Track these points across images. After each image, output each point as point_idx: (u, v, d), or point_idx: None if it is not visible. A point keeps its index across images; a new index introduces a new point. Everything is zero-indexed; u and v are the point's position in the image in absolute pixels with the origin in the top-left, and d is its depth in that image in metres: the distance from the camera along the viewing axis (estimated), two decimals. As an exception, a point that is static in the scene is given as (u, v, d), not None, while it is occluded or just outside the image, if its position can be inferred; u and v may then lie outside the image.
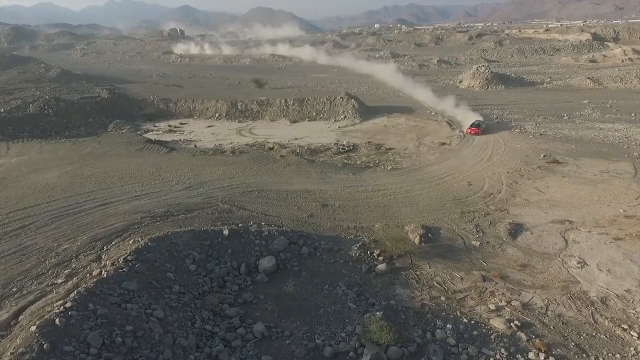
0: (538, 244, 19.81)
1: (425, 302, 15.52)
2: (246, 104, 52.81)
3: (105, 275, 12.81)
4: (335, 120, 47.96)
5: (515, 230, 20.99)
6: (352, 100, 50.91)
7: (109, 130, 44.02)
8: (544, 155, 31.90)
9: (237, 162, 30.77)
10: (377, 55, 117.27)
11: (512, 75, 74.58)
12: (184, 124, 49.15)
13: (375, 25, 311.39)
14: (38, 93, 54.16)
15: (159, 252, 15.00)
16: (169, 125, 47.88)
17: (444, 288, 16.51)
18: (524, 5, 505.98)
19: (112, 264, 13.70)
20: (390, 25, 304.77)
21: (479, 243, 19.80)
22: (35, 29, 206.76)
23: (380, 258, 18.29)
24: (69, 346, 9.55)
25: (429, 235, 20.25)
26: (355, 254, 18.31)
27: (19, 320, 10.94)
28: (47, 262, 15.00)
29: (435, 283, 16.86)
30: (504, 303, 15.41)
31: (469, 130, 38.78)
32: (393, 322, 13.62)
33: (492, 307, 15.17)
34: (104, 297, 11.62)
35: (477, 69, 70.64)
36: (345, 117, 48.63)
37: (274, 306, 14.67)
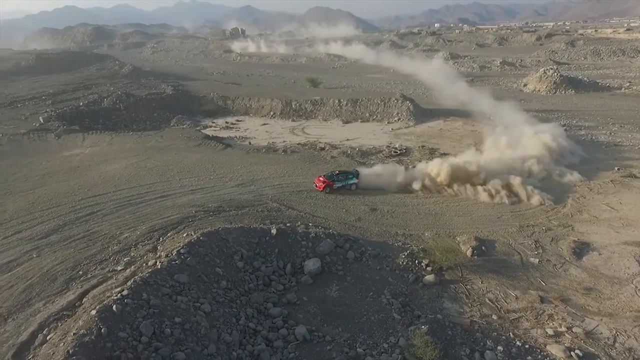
0: (607, 266, 18.07)
1: (475, 319, 14.73)
2: (300, 103, 53.48)
3: (159, 267, 13.51)
4: (388, 122, 47.13)
5: (581, 249, 19.30)
6: (407, 102, 49.73)
7: (171, 125, 46.62)
8: (618, 169, 29.11)
9: (289, 161, 31.20)
10: (436, 56, 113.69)
11: (585, 79, 68.90)
12: (240, 121, 50.78)
13: (435, 25, 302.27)
14: (112, 88, 58.58)
15: (210, 246, 15.55)
16: (226, 122, 49.72)
17: (497, 306, 15.58)
18: (602, 3, 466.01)
19: (166, 256, 14.40)
20: (452, 25, 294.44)
21: (537, 260, 18.46)
22: (113, 29, 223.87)
23: (429, 268, 17.64)
24: (124, 332, 10.17)
25: (483, 248, 19.22)
26: (402, 262, 17.81)
27: (82, 302, 11.83)
28: (110, 249, 16.09)
29: (487, 300, 15.96)
30: (563, 329, 14.22)
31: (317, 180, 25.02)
32: (439, 338, 13.07)
33: (549, 331, 14.06)
34: (157, 287, 12.25)
35: (545, 72, 66.04)
36: (399, 120, 47.63)
37: (317, 309, 14.64)
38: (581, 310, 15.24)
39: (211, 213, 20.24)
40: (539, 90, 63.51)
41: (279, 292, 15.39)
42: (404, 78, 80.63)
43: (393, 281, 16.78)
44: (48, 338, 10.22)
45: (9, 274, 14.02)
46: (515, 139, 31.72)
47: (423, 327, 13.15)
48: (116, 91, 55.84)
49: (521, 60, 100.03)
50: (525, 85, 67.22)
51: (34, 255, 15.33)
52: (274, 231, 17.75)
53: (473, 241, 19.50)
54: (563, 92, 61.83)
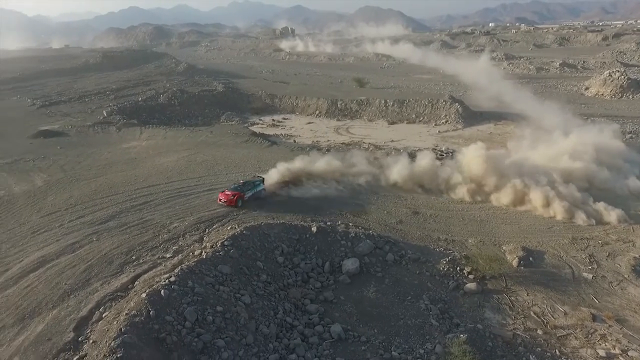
0: (672, 288, 16.63)
1: (518, 332, 14.14)
2: (346, 102, 53.54)
3: (204, 257, 14.20)
4: (435, 124, 46.05)
5: (642, 267, 17.91)
6: (456, 104, 48.29)
7: (220, 121, 48.41)
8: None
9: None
10: (481, 56, 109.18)
11: (657, 82, 63.29)
12: (287, 119, 51.73)
13: (490, 24, 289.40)
14: (168, 85, 61.78)
15: (252, 240, 16.08)
16: (273, 120, 50.84)
17: (543, 320, 14.86)
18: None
19: (211, 247, 15.09)
20: (508, 25, 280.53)
21: (591, 276, 17.35)
22: (171, 28, 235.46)
23: (471, 276, 17.13)
24: (170, 316, 10.84)
25: (530, 259, 18.35)
26: (443, 268, 17.43)
27: (134, 285, 12.71)
28: (160, 237, 17.08)
29: (532, 313, 15.26)
30: (617, 351, 13.31)
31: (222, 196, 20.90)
32: (478, 348, 12.70)
33: (601, 352, 13.21)
34: (202, 276, 12.90)
35: (610, 74, 61.30)
36: (447, 122, 46.39)
37: (354, 309, 14.71)
38: (639, 332, 14.17)
39: (255, 208, 20.87)
40: (602, 94, 59.18)
41: (317, 290, 15.63)
42: (455, 79, 78.19)
43: (432, 287, 16.49)
44: (103, 315, 11.11)
45: (73, 254, 15.33)
46: (571, 145, 29.74)
47: (462, 335, 12.84)
48: (172, 88, 58.87)
49: (583, 62, 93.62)
50: (587, 88, 62.89)
51: (94, 239, 16.62)
52: (314, 229, 18.01)
53: (520, 251, 18.69)
54: (630, 96, 57.19)
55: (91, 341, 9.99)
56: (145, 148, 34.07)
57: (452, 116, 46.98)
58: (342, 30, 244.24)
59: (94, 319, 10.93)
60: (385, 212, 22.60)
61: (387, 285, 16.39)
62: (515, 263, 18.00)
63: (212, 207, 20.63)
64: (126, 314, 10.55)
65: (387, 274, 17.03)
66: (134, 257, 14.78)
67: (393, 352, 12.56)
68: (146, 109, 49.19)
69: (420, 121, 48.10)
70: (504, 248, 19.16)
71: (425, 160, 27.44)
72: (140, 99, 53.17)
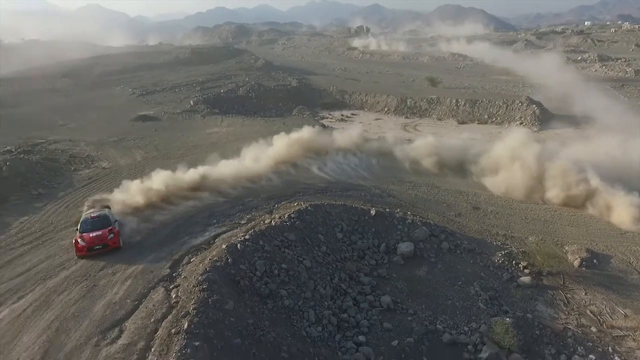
0: None
1: (569, 327, 14.19)
2: (415, 100, 53.53)
3: (273, 224, 16.15)
4: (508, 126, 44.42)
5: None
6: (533, 105, 46.09)
7: (293, 113, 51.19)
8: None
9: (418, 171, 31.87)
10: (579, 58, 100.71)
11: None
12: (355, 114, 53.11)
13: (585, 23, 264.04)
14: (247, 79, 66.32)
15: (315, 216, 17.76)
16: (342, 115, 52.53)
17: (599, 319, 14.67)
18: None
19: (279, 218, 17.01)
20: (608, 23, 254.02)
21: (662, 285, 16.51)
22: (252, 27, 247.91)
23: (526, 271, 17.19)
24: (243, 265, 12.85)
25: (594, 261, 17.86)
26: (498, 260, 17.70)
27: (215, 241, 15.00)
28: (236, 208, 19.38)
29: (588, 311, 15.10)
30: (678, 357, 12.87)
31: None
32: (524, 334, 13.10)
33: (660, 356, 12.88)
34: (270, 239, 14.82)
35: None
36: (521, 124, 44.53)
37: (404, 286, 15.75)
38: None
39: (319, 191, 22.55)
40: None
41: (371, 266, 16.86)
42: (533, 80, 73.84)
43: (485, 276, 16.90)
44: (191, 260, 13.43)
45: (163, 219, 18.22)
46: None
47: (508, 319, 13.32)
48: (250, 82, 63.19)
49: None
50: (694, 94, 56.08)
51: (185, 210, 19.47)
52: (373, 212, 19.23)
53: (584, 252, 18.24)
54: None
55: (183, 276, 12.29)
56: (225, 134, 37.56)
57: (528, 118, 45.00)
58: (417, 29, 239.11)
59: (184, 262, 13.28)
60: (444, 205, 23.08)
61: (439, 270, 17.14)
62: (576, 263, 17.66)
63: (281, 187, 22.68)
64: (210, 259, 12.75)
65: (440, 260, 17.74)
66: (214, 221, 17.19)
67: (438, 326, 13.43)
68: (227, 100, 53.55)
69: (492, 122, 46.73)
70: (566, 248, 18.81)
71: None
72: (222, 91, 57.92)
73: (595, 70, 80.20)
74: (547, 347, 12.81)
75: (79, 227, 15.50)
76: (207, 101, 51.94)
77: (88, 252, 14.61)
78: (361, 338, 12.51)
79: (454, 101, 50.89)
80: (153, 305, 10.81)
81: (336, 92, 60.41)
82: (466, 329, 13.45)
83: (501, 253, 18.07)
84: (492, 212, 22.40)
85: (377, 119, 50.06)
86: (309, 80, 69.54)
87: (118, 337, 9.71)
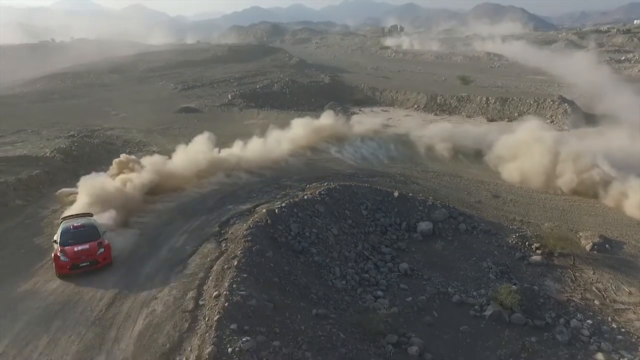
0: None
1: (573, 299, 15.44)
2: (445, 98, 54.35)
3: (305, 198, 18.25)
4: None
5: None
6: (565, 104, 45.99)
7: (324, 109, 53.18)
8: None
9: (435, 157, 33.36)
10: (623, 58, 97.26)
11: None
12: (385, 111, 54.55)
13: (635, 22, 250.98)
14: (281, 76, 69.03)
15: (343, 194, 19.70)
16: (372, 111, 54.13)
17: (603, 294, 15.81)
18: None
19: (311, 194, 19.08)
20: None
21: (672, 269, 17.34)
22: (286, 26, 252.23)
23: (538, 251, 18.42)
24: (280, 226, 15.02)
25: (607, 246, 18.82)
26: (512, 241, 19.00)
27: (255, 209, 17.25)
28: (272, 186, 21.52)
29: (594, 288, 16.24)
30: (676, 329, 13.89)
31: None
32: (528, 300, 14.50)
33: (657, 327, 13.95)
34: (303, 209, 16.93)
35: None
36: (552, 122, 44.55)
37: (421, 257, 17.44)
38: None
39: (348, 176, 24.47)
40: None
41: (392, 240, 18.63)
42: (572, 80, 72.48)
43: (498, 254, 18.28)
44: (236, 222, 15.69)
45: (214, 189, 20.69)
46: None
47: (514, 286, 14.78)
48: (284, 78, 65.85)
49: None
50: None
51: (227, 182, 21.89)
52: (396, 194, 20.96)
53: (597, 238, 19.21)
54: None
55: (230, 232, 14.54)
56: (261, 125, 40.06)
57: (559, 117, 45.00)
58: (452, 28, 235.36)
59: (230, 223, 15.56)
60: (466, 192, 24.44)
61: (455, 247, 18.68)
62: (588, 247, 18.69)
63: (313, 172, 24.77)
64: (252, 220, 14.99)
65: (457, 239, 19.25)
66: (254, 195, 19.46)
67: (449, 289, 15.07)
68: (262, 95, 56.37)
69: (522, 120, 46.93)
70: (580, 234, 19.80)
71: None
72: (257, 86, 60.84)
73: (639, 71, 77.65)
74: (548, 312, 14.17)
75: (58, 238, 13.24)
76: (243, 96, 54.94)
77: (72, 270, 12.41)
78: (379, 293, 14.38)
79: (484, 99, 51.39)
80: (207, 251, 13.12)
81: (367, 89, 62.02)
82: (475, 293, 15.02)
83: (515, 235, 19.36)
84: (511, 201, 23.58)
85: (407, 115, 51.32)
86: (340, 77, 71.45)
87: (182, 269, 12.09)
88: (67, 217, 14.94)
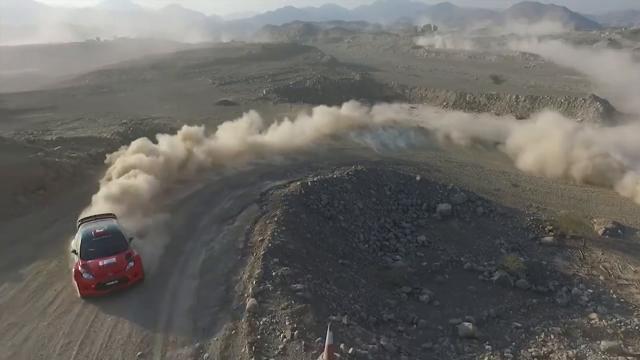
0: None
1: (579, 274, 16.73)
2: (475, 96, 55.01)
3: (334, 177, 20.31)
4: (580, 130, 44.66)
5: None
6: (597, 103, 45.81)
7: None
8: None
9: (453, 146, 34.75)
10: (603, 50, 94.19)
11: None
12: (414, 107, 55.79)
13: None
14: (313, 73, 71.41)
15: (368, 176, 21.62)
16: (401, 107, 55.41)
17: (609, 272, 16.99)
18: None
19: (340, 173, 21.12)
20: None
21: (681, 254, 18.22)
22: (319, 25, 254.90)
23: (551, 233, 19.68)
24: (312, 196, 17.18)
25: (619, 231, 19.86)
26: (526, 224, 20.34)
27: (290, 185, 19.44)
28: (304, 168, 23.65)
29: (601, 266, 17.42)
30: (675, 302, 14.98)
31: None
32: (534, 271, 15.96)
33: (656, 299, 15.07)
34: (332, 184, 19.01)
35: None
36: (582, 121, 44.49)
37: (438, 233, 19.13)
38: None
39: (374, 163, 26.33)
40: None
41: (412, 218, 20.39)
42: (608, 80, 70.95)
43: (512, 234, 19.71)
44: (274, 193, 17.92)
45: (252, 169, 23.07)
46: None
47: (522, 258, 16.27)
48: (316, 75, 68.16)
49: None
50: None
51: (263, 164, 24.28)
52: (418, 178, 22.67)
53: (610, 223, 20.26)
54: None
55: (269, 199, 16.77)
56: (293, 118, 42.47)
57: (590, 115, 44.91)
58: (487, 28, 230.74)
59: (269, 193, 17.79)
60: (486, 182, 25.77)
61: (471, 227, 20.21)
62: (600, 232, 19.80)
63: (342, 159, 26.77)
64: (288, 190, 17.23)
65: (474, 221, 20.76)
66: (288, 174, 21.68)
67: (461, 259, 16.74)
68: (295, 91, 58.87)
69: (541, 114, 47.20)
70: (594, 220, 20.88)
71: None
72: (290, 83, 63.45)
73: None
74: (552, 281, 15.59)
75: (77, 247, 11.39)
76: (277, 91, 57.65)
77: (97, 290, 10.57)
78: (398, 257, 16.23)
79: (514, 97, 51.76)
80: (251, 211, 15.38)
81: (397, 87, 63.41)
82: (485, 263, 16.60)
83: (530, 218, 20.68)
84: (530, 190, 24.75)
85: (435, 112, 52.35)
86: (371, 75, 73.06)
87: (232, 223, 14.43)
88: (85, 219, 12.69)
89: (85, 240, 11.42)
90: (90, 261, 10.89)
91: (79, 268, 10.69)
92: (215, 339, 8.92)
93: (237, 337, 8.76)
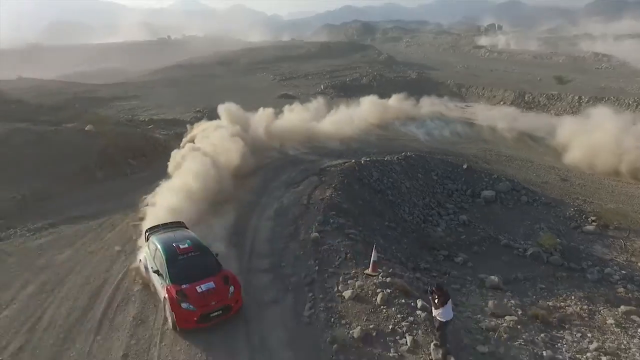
0: None
1: (616, 259, 17.51)
2: (534, 96, 54.05)
3: (385, 159, 22.43)
4: (633, 125, 42.86)
5: None
6: (669, 105, 43.48)
7: (408, 102, 56.40)
8: None
9: (500, 138, 35.48)
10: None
11: None
12: (469, 106, 55.83)
13: None
14: (369, 70, 73.35)
15: (417, 161, 23.47)
16: (456, 105, 55.76)
17: (648, 260, 17.56)
18: None
19: (390, 159, 23.17)
20: None
21: None
22: (377, 24, 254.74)
23: (594, 223, 20.33)
24: (365, 172, 19.57)
25: (667, 226, 20.06)
26: (569, 213, 21.12)
27: (344, 164, 21.85)
28: (358, 152, 25.89)
29: (641, 255, 18.00)
30: None
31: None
32: (570, 253, 17.06)
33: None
34: (383, 165, 21.20)
35: None
36: (651, 123, 42.58)
37: (480, 215, 20.58)
38: None
39: (425, 153, 27.93)
40: None
41: (456, 202, 21.97)
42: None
43: (554, 222, 20.64)
44: (331, 168, 20.40)
45: (310, 153, 25.79)
46: None
47: (558, 240, 17.42)
48: (372, 72, 70.08)
49: None
50: None
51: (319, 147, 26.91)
52: (465, 166, 24.12)
53: (658, 218, 20.49)
54: None
55: (327, 173, 19.23)
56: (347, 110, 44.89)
57: (661, 117, 42.76)
58: (558, 27, 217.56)
59: (327, 169, 20.28)
60: (534, 174, 26.50)
61: (513, 212, 21.40)
62: (646, 225, 20.13)
63: (393, 148, 28.70)
64: (343, 166, 19.73)
65: (517, 207, 21.89)
66: (343, 156, 24.05)
67: (499, 237, 18.19)
68: (351, 87, 61.27)
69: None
70: (641, 214, 21.16)
71: None
72: (347, 79, 65.95)
73: None
74: (586, 262, 16.62)
75: (161, 268, 9.71)
76: (334, 87, 60.41)
77: (201, 322, 8.99)
78: (439, 229, 18.08)
79: (576, 97, 50.34)
80: (312, 180, 17.90)
81: (453, 85, 63.61)
82: (522, 242, 17.93)
83: (574, 209, 21.41)
84: (579, 184, 25.17)
85: (490, 111, 52.19)
86: (428, 74, 73.56)
87: (296, 187, 17.16)
88: (153, 227, 11.39)
89: (171, 259, 9.63)
90: (185, 287, 9.11)
91: (175, 296, 8.88)
92: (288, 256, 11.74)
93: (305, 256, 11.61)
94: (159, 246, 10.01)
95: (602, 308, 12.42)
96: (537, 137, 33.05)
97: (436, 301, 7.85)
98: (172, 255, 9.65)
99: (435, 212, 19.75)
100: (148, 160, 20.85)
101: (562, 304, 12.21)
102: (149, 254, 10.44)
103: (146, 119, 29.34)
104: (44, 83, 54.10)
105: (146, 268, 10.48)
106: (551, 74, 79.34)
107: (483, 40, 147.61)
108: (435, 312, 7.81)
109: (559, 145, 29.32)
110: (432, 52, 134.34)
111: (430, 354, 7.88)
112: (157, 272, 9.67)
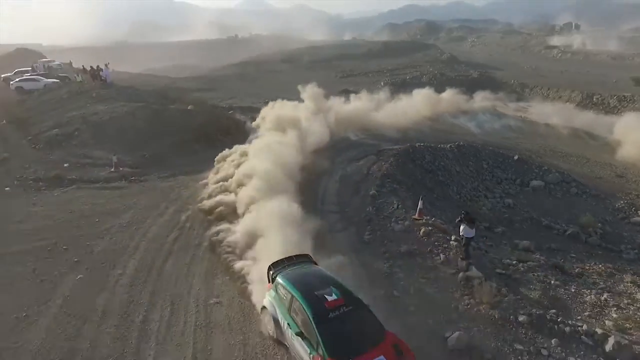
0: None
1: (661, 247, 18.28)
2: (604, 97, 52.10)
3: (438, 146, 24.51)
4: None
5: None
6: None
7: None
8: None
9: (557, 135, 35.61)
10: None
11: None
12: (530, 106, 55.06)
13: None
14: (431, 69, 74.10)
15: (469, 150, 25.21)
16: (518, 105, 55.29)
17: (694, 251, 18.13)
18: None
19: (443, 147, 25.17)
20: None
21: None
22: (442, 23, 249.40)
23: (643, 215, 20.95)
24: (418, 154, 21.93)
25: None
26: (618, 205, 21.85)
27: (400, 148, 24.26)
28: (412, 140, 28.22)
29: (688, 247, 18.55)
30: None
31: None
32: (610, 236, 18.18)
33: None
34: (435, 150, 23.35)
35: None
36: None
37: (526, 201, 22.01)
38: None
39: (477, 144, 29.50)
40: None
41: (504, 189, 23.50)
42: None
43: (601, 211, 21.52)
44: (387, 151, 22.96)
45: (367, 137, 28.47)
46: None
47: (599, 223, 18.58)
48: (433, 71, 70.79)
49: None
50: None
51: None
52: (516, 157, 25.44)
53: None
54: None
55: (384, 153, 21.75)
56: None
57: None
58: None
59: (384, 151, 22.88)
60: (588, 169, 27.04)
61: (561, 202, 22.52)
62: (701, 221, 20.38)
63: (444, 138, 30.46)
64: (399, 149, 22.26)
65: (565, 198, 22.93)
66: (399, 142, 26.41)
67: (541, 219, 19.66)
68: (411, 85, 62.65)
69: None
70: (699, 212, 21.31)
71: None
72: (407, 77, 67.40)
73: None
74: (625, 245, 17.69)
75: (310, 331, 7.27)
76: (394, 84, 62.26)
77: None
78: (484, 209, 19.97)
79: (651, 100, 47.94)
80: (370, 158, 20.58)
81: (516, 85, 62.75)
82: (563, 224, 19.28)
83: (624, 202, 22.07)
84: (635, 181, 25.39)
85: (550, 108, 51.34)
86: (491, 73, 72.78)
87: (357, 162, 20.09)
88: (278, 263, 8.99)
89: (320, 318, 7.32)
90: None
91: None
92: (351, 205, 15.06)
93: (364, 205, 14.77)
94: (295, 295, 7.66)
95: (625, 275, 13.83)
96: (599, 137, 33.04)
97: (465, 221, 10.45)
98: (319, 312, 7.26)
99: (482, 195, 21.55)
100: (233, 137, 25.00)
101: (587, 267, 13.80)
102: (277, 301, 8.12)
103: (226, 106, 33.73)
104: (135, 76, 61.71)
105: (275, 320, 8.10)
106: (629, 76, 74.83)
107: (556, 40, 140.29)
108: (462, 230, 10.47)
109: (616, 142, 29.44)
110: (498, 52, 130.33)
111: (457, 265, 10.49)
112: (300, 334, 7.36)
